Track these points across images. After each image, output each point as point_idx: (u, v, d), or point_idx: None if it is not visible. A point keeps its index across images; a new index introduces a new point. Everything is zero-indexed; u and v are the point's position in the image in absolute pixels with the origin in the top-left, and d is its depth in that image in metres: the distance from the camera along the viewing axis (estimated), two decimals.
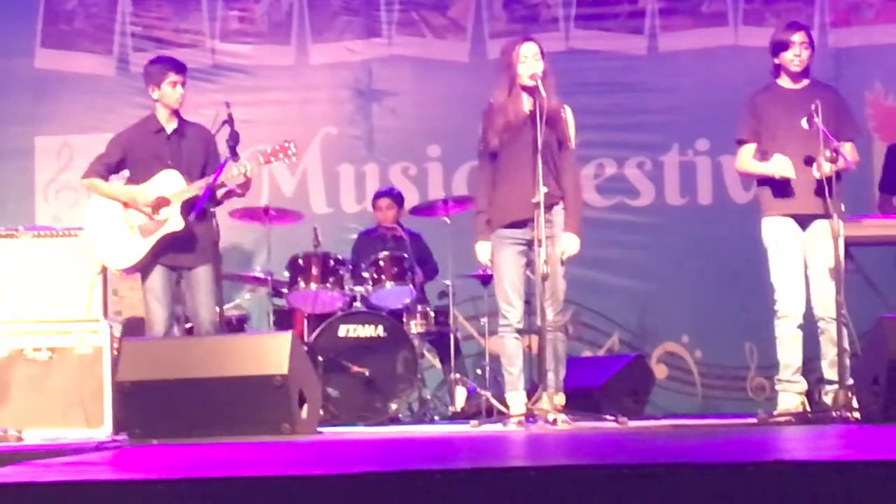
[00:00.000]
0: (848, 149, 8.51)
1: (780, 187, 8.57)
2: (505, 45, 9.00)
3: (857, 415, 7.94)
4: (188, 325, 9.02)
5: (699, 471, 3.07)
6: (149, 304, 8.94)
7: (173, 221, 8.67)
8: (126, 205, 8.83)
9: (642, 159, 12.25)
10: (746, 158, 8.73)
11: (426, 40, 12.58)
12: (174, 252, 8.82)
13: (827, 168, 8.21)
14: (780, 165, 8.40)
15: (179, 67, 9.04)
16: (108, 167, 9.02)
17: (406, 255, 10.47)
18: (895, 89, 11.53)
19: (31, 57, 12.54)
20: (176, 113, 8.99)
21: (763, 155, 8.59)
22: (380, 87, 12.60)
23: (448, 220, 10.60)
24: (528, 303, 8.71)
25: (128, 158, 9.00)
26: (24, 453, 7.01)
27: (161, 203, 8.69)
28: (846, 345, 8.40)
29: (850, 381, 8.20)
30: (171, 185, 8.73)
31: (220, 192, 8.90)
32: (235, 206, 9.95)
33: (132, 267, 8.89)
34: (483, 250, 8.56)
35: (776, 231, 8.63)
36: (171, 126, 8.97)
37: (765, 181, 8.68)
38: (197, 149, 8.92)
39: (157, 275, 8.85)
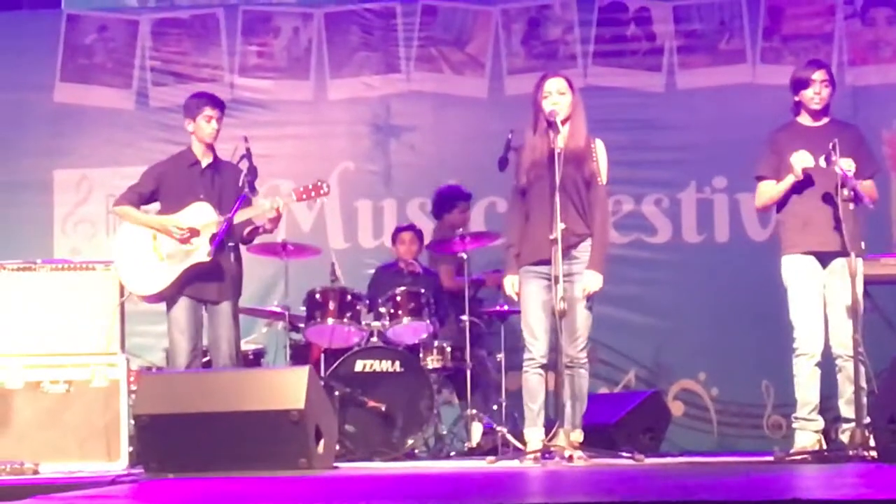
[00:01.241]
0: (868, 185, 8.52)
1: (800, 222, 8.59)
2: (539, 80, 8.85)
3: (873, 454, 7.89)
4: (206, 359, 8.99)
5: None
6: (172, 336, 8.97)
7: (201, 252, 8.72)
8: (156, 234, 8.88)
9: (659, 196, 12.26)
10: (766, 191, 8.71)
11: (444, 76, 12.62)
12: (200, 283, 8.86)
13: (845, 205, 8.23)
14: (799, 158, 8.35)
15: (216, 103, 9.14)
16: (141, 197, 9.07)
17: (423, 291, 10.47)
18: None
19: (51, 91, 12.58)
20: (211, 148, 9.07)
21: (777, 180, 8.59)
22: (398, 122, 12.62)
23: (465, 257, 10.60)
24: (552, 338, 8.70)
25: (161, 190, 9.05)
26: (40, 486, 7.05)
27: (192, 233, 8.74)
28: (863, 383, 8.39)
29: (867, 420, 8.18)
30: (203, 216, 8.78)
31: (247, 230, 9.03)
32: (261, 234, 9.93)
33: (157, 294, 8.92)
34: (510, 284, 8.53)
35: (796, 269, 8.62)
36: (206, 160, 9.07)
37: (784, 215, 8.68)
38: (229, 184, 8.94)
39: (182, 306, 8.88)
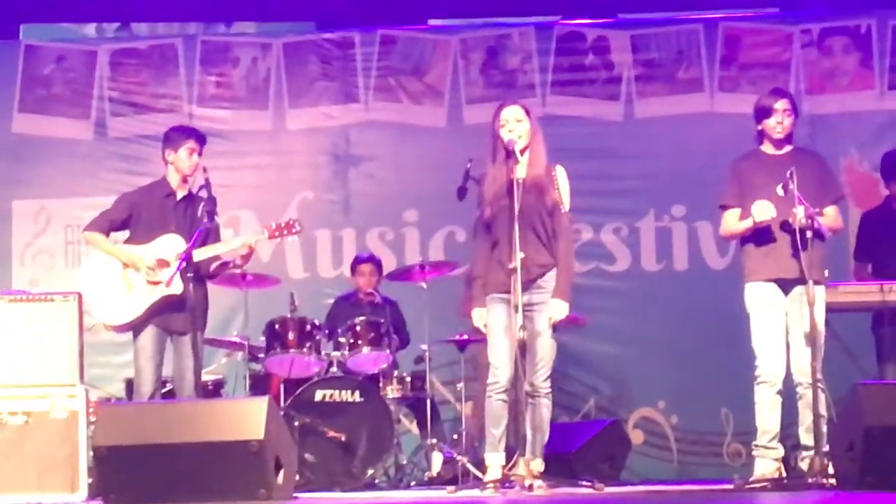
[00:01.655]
0: (831, 212, 8.61)
1: (762, 250, 8.69)
2: (496, 109, 8.86)
3: (832, 481, 7.95)
4: (167, 389, 9.02)
5: None
6: (139, 363, 9.00)
7: (173, 285, 8.77)
8: (126, 264, 8.93)
9: (618, 225, 12.32)
10: (731, 222, 8.80)
11: (403, 105, 12.66)
12: (168, 314, 8.89)
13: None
14: (760, 209, 8.38)
15: (200, 138, 9.24)
16: (112, 224, 9.10)
17: (383, 321, 10.49)
18: (869, 156, 11.59)
19: (9, 121, 12.58)
20: (185, 180, 9.11)
21: (744, 216, 8.63)
22: (357, 152, 12.66)
23: (425, 286, 10.64)
24: (517, 369, 8.73)
25: (133, 218, 9.08)
26: None
27: (161, 265, 8.80)
28: (822, 410, 8.47)
29: (826, 447, 8.24)
30: (174, 248, 8.83)
31: (214, 265, 9.13)
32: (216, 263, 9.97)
33: (126, 325, 8.96)
34: (479, 317, 8.55)
35: (759, 296, 8.68)
36: (181, 192, 9.12)
37: (747, 245, 8.74)
38: (198, 217, 8.97)
39: (150, 335, 8.91)
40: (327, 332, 10.48)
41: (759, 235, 8.64)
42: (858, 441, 7.43)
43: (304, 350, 10.25)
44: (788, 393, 8.66)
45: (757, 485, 8.46)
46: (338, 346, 10.32)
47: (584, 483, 8.67)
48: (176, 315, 8.87)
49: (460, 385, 10.33)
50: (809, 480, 8.17)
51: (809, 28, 12.57)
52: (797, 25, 12.58)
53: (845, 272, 10.05)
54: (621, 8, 12.62)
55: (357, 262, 11.51)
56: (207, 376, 9.99)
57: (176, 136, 9.21)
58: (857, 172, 11.71)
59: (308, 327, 10.39)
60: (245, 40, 12.86)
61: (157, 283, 8.81)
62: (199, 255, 8.79)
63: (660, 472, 11.24)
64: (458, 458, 9.72)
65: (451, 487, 8.92)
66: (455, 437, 10.32)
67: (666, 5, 12.61)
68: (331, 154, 12.67)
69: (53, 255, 11.86)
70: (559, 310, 8.28)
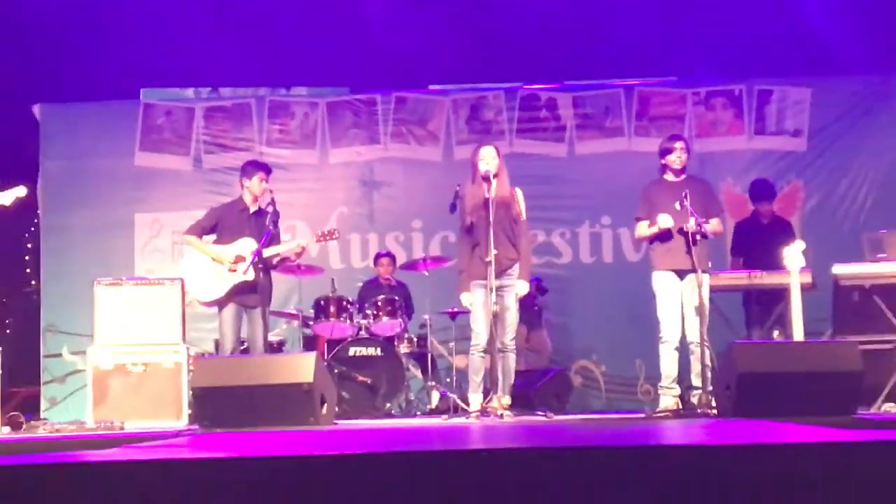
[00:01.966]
0: (715, 222, 8.75)
1: (665, 249, 8.71)
2: (473, 149, 9.04)
3: (714, 411, 7.99)
4: (244, 347, 8.97)
5: (604, 450, 3.05)
6: (222, 330, 9.09)
7: (247, 273, 8.78)
8: (213, 259, 8.95)
9: (563, 230, 12.26)
10: (642, 229, 8.89)
11: (411, 146, 12.58)
12: (243, 295, 8.93)
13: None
14: (662, 219, 8.59)
15: (268, 170, 9.36)
16: (203, 229, 9.19)
17: (396, 298, 10.53)
18: (741, 182, 11.58)
19: (133, 157, 12.51)
20: (255, 200, 9.15)
21: (653, 223, 8.72)
22: (378, 179, 12.59)
23: (427, 273, 10.64)
24: (491, 332, 8.71)
25: (218, 226, 9.16)
26: (125, 438, 6.98)
27: (238, 260, 8.84)
28: (707, 362, 8.48)
29: (710, 388, 8.27)
30: (248, 248, 8.89)
31: (276, 260, 9.22)
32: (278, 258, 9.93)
33: (213, 301, 9.07)
34: (466, 299, 8.68)
35: (662, 281, 8.80)
36: (252, 208, 9.18)
37: (654, 244, 8.85)
38: (263, 226, 8.97)
39: (230, 310, 8.99)
40: (357, 306, 10.48)
41: (662, 238, 8.74)
42: (733, 383, 7.44)
43: (341, 319, 10.30)
44: (684, 350, 8.68)
45: (661, 414, 8.55)
46: (365, 317, 10.32)
47: (540, 413, 8.72)
48: (249, 295, 8.91)
49: (452, 344, 10.29)
50: (698, 411, 8.25)
51: (699, 91, 12.52)
52: (690, 89, 12.51)
53: (724, 264, 10.02)
54: (565, 77, 12.49)
55: (378, 256, 11.49)
56: (273, 338, 9.99)
57: (250, 168, 9.29)
58: (733, 194, 11.66)
59: (344, 303, 10.43)
60: (299, 100, 12.76)
61: (235, 273, 8.84)
62: (266, 252, 8.88)
63: (593, 405, 11.21)
64: (450, 395, 9.70)
65: (445, 416, 9.11)
66: (448, 381, 10.28)
67: (597, 75, 12.49)
68: (360, 181, 12.59)
69: (163, 252, 11.82)
70: (523, 288, 8.61)
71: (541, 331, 11.14)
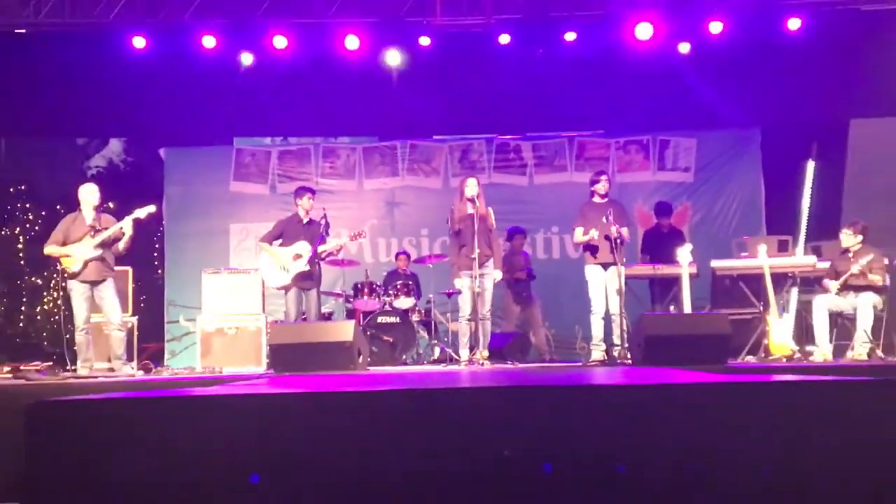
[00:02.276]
0: (625, 231, 8.69)
1: (594, 249, 8.71)
2: (460, 180, 9.14)
3: (630, 361, 8.04)
4: (303, 317, 8.96)
5: (553, 388, 3.06)
6: (287, 306, 9.02)
7: (303, 266, 8.81)
8: (280, 256, 8.95)
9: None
10: (579, 236, 8.88)
11: (420, 177, 12.55)
12: (302, 281, 8.89)
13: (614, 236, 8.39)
14: (592, 234, 8.65)
15: (313, 192, 9.37)
16: (273, 237, 9.12)
17: (410, 283, 10.49)
18: (648, 203, 11.59)
19: (228, 185, 12.49)
20: (307, 213, 9.14)
21: (585, 231, 8.72)
22: (398, 200, 12.55)
23: (431, 266, 10.60)
24: (474, 306, 8.74)
25: (283, 234, 9.10)
26: (222, 379, 7.00)
27: (297, 258, 8.83)
28: (625, 327, 8.51)
29: (627, 345, 8.28)
30: (303, 248, 8.86)
31: (325, 255, 9.19)
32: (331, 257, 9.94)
33: (281, 287, 9.00)
34: (457, 283, 8.79)
35: (592, 272, 8.82)
36: (305, 220, 9.13)
37: (587, 247, 8.83)
38: (315, 232, 9.01)
39: (293, 292, 8.93)
40: (383, 288, 10.39)
41: (595, 242, 8.72)
42: (642, 342, 7.51)
43: (372, 297, 10.25)
44: (608, 319, 8.66)
45: (592, 364, 8.58)
46: (388, 295, 10.23)
47: (509, 363, 8.76)
48: (306, 281, 8.92)
49: (448, 314, 10.22)
50: (618, 361, 8.31)
51: (619, 140, 12.48)
52: (612, 139, 12.47)
53: (635, 259, 10.02)
54: (527, 130, 12.50)
55: (398, 254, 11.45)
56: (324, 310, 9.97)
57: (301, 191, 9.31)
58: (642, 212, 11.70)
59: (374, 286, 10.38)
60: (343, 145, 12.79)
61: (295, 266, 8.87)
62: (319, 251, 8.91)
63: (545, 358, 11.11)
64: (447, 350, 9.64)
65: (443, 364, 9.19)
66: (446, 340, 10.23)
67: (549, 129, 12.48)
68: (385, 202, 12.56)
69: (249, 251, 11.81)
70: (498, 275, 8.79)
71: (533, 307, 10.94)
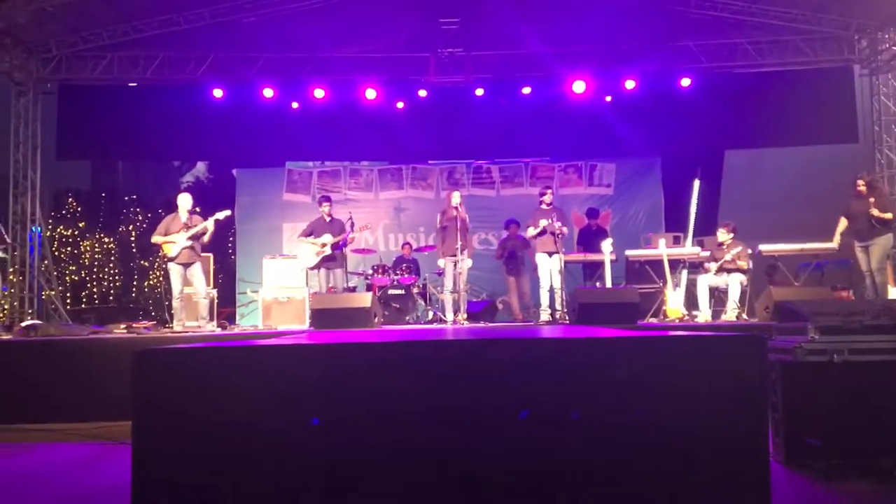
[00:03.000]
0: (564, 229, 8.67)
1: (542, 241, 8.70)
2: (447, 192, 9.09)
3: (567, 322, 7.97)
4: (331, 289, 8.93)
5: (512, 340, 3.06)
6: (320, 282, 9.04)
7: (327, 251, 8.83)
8: (314, 244, 8.85)
9: (494, 232, 12.14)
10: (530, 232, 8.82)
11: (419, 191, 12.48)
12: (328, 262, 8.89)
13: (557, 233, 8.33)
14: (542, 225, 8.58)
15: (330, 200, 9.32)
16: (306, 233, 9.09)
17: (412, 265, 10.40)
18: (581, 209, 11.56)
19: (281, 195, 12.41)
20: (329, 214, 9.07)
21: (536, 228, 8.60)
22: (404, 206, 12.47)
23: (427, 254, 10.57)
24: (455, 282, 8.68)
25: (314, 230, 9.05)
26: (278, 333, 6.96)
27: (322, 245, 8.83)
28: (564, 297, 8.47)
29: (565, 310, 8.25)
30: (327, 239, 8.86)
31: (341, 243, 9.05)
32: (354, 246, 9.92)
33: (313, 267, 8.99)
34: (441, 264, 8.85)
35: (541, 258, 8.76)
36: (327, 219, 9.06)
37: (538, 240, 8.78)
38: (337, 228, 8.97)
39: (323, 271, 8.94)
40: (392, 269, 10.31)
41: (541, 237, 8.65)
42: (576, 308, 7.43)
43: (385, 275, 10.15)
44: (552, 292, 8.65)
45: (540, 323, 8.48)
46: (396, 274, 10.15)
47: (482, 323, 8.72)
48: (331, 262, 8.91)
49: (439, 287, 10.14)
50: (560, 321, 8.19)
51: (561, 164, 12.43)
52: (556, 164, 12.43)
53: (572, 249, 10.00)
54: (496, 157, 12.44)
55: (403, 244, 11.33)
56: (351, 284, 9.91)
57: (322, 200, 9.28)
58: (577, 216, 11.64)
59: (386, 267, 10.29)
60: (364, 167, 12.66)
61: (322, 253, 8.84)
62: (338, 240, 8.94)
63: (507, 319, 11.10)
64: (438, 314, 9.64)
65: (435, 323, 9.10)
66: (437, 306, 10.19)
67: (510, 156, 12.44)
68: (394, 208, 12.48)
69: (296, 244, 11.73)
70: (469, 262, 8.75)
71: (522, 276, 10.30)
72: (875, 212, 7.91)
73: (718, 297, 8.80)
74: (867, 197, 7.98)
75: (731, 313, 8.39)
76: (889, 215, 7.88)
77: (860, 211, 8.05)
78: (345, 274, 9.17)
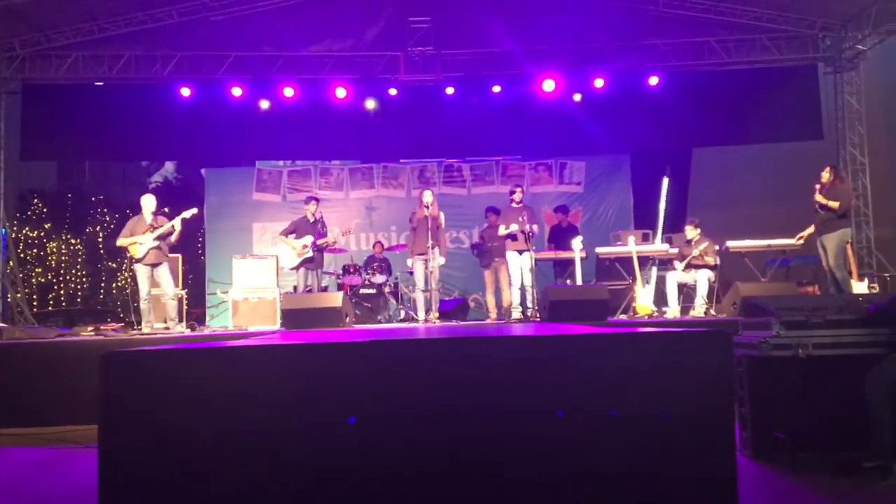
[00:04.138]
0: (535, 227, 8.70)
1: (513, 238, 8.69)
2: (419, 191, 9.06)
3: (539, 319, 8.02)
4: (309, 289, 8.88)
5: (485, 338, 3.06)
6: (298, 281, 9.00)
7: (309, 253, 8.77)
8: (292, 247, 8.84)
9: (465, 230, 12.20)
10: (501, 230, 8.79)
11: (390, 190, 12.45)
12: (308, 263, 8.83)
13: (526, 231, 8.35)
14: (512, 228, 8.58)
15: (317, 201, 9.27)
16: (288, 232, 9.02)
17: (383, 265, 10.36)
18: (551, 207, 11.56)
19: (251, 195, 12.31)
20: (313, 214, 9.02)
21: (507, 227, 8.61)
22: (375, 205, 12.42)
23: (398, 252, 10.55)
24: (427, 281, 8.67)
25: (295, 230, 8.99)
26: (248, 334, 6.91)
27: (304, 246, 8.79)
28: (535, 295, 8.50)
29: (536, 307, 8.28)
30: (308, 241, 8.80)
31: (324, 246, 9.05)
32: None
33: (293, 268, 8.92)
34: (411, 264, 8.75)
35: (511, 256, 8.75)
36: (311, 219, 9.00)
37: (508, 238, 8.76)
38: (318, 229, 8.92)
39: (302, 271, 8.89)
40: (364, 268, 10.26)
41: (512, 235, 8.67)
42: (548, 305, 7.47)
43: (356, 275, 10.10)
44: (523, 289, 8.68)
45: (512, 321, 8.48)
46: (367, 274, 10.12)
47: (453, 321, 8.75)
48: (311, 263, 8.83)
49: (410, 286, 10.10)
50: (531, 319, 8.23)
51: (531, 163, 12.48)
52: (527, 162, 12.47)
53: (543, 247, 10.04)
54: (467, 155, 12.45)
55: (375, 243, 11.28)
56: (323, 284, 9.86)
57: (309, 199, 9.24)
58: (548, 213, 11.62)
59: (357, 267, 10.24)
60: (335, 166, 12.60)
61: (303, 254, 8.76)
62: (319, 243, 8.82)
63: (479, 317, 11.10)
64: (409, 312, 9.60)
65: (406, 323, 9.09)
66: (409, 305, 10.19)
67: (482, 154, 12.44)
68: (365, 207, 12.43)
69: (267, 242, 11.67)
70: (442, 260, 8.58)
71: (499, 270, 10.52)
72: (819, 197, 7.68)
73: (687, 293, 8.90)
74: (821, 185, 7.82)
75: (699, 309, 8.47)
76: (834, 204, 7.57)
77: (814, 199, 7.84)
78: (319, 274, 9.15)
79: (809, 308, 4.13)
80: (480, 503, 2.78)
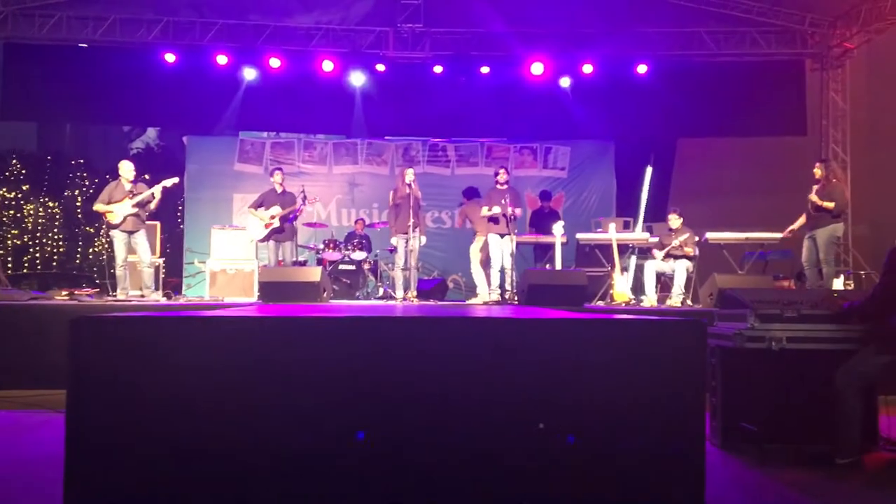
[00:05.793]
0: (518, 210, 8.64)
1: (496, 221, 8.65)
2: (401, 169, 8.98)
3: (517, 302, 8.01)
4: (280, 262, 8.84)
5: (462, 318, 3.05)
6: (268, 255, 8.98)
7: (275, 224, 8.75)
8: (261, 218, 8.76)
9: (447, 210, 12.11)
10: (484, 212, 8.76)
11: (374, 166, 12.33)
12: (276, 234, 8.82)
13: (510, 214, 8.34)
14: (494, 210, 8.55)
15: (282, 170, 9.32)
16: (257, 204, 8.97)
17: (364, 241, 10.30)
18: (535, 191, 11.53)
19: (233, 165, 12.14)
20: (281, 185, 8.99)
21: (490, 210, 8.58)
22: (358, 182, 12.27)
23: (379, 230, 10.50)
24: (407, 259, 8.64)
25: (264, 201, 8.94)
26: (224, 305, 6.87)
27: (272, 217, 8.73)
28: (515, 278, 8.50)
29: (515, 290, 8.28)
30: (275, 211, 8.77)
31: (289, 215, 8.99)
32: (306, 220, 9.80)
33: (261, 239, 8.91)
34: (394, 242, 8.79)
35: (493, 238, 8.70)
36: (279, 189, 8.98)
37: (490, 221, 8.73)
38: (288, 200, 8.89)
39: (272, 243, 8.88)
40: (344, 244, 10.19)
41: (494, 218, 8.63)
42: (526, 288, 7.49)
43: (336, 250, 10.02)
44: (503, 272, 8.67)
45: (490, 303, 8.47)
46: (347, 249, 10.02)
47: (431, 301, 8.68)
48: (279, 234, 8.86)
49: (390, 264, 10.04)
50: (510, 302, 8.23)
51: (516, 145, 12.42)
52: (511, 144, 12.40)
53: (524, 231, 10.04)
54: (452, 135, 12.35)
55: (356, 220, 11.21)
56: (301, 259, 9.82)
57: (273, 170, 9.26)
58: (531, 197, 11.57)
59: (338, 242, 10.17)
60: (318, 140, 12.44)
61: (271, 225, 8.74)
62: (288, 212, 8.86)
63: (457, 297, 11.09)
64: (388, 290, 9.59)
65: (385, 300, 9.03)
66: (388, 282, 10.16)
67: (467, 135, 12.35)
68: (348, 183, 12.29)
69: (245, 215, 11.49)
70: (423, 240, 8.71)
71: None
72: (814, 198, 7.66)
73: (665, 282, 8.94)
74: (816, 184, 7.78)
75: (676, 299, 8.52)
76: (830, 204, 7.58)
77: (808, 198, 7.81)
78: (294, 247, 9.08)
79: (785, 302, 4.16)
80: (450, 479, 2.79)
